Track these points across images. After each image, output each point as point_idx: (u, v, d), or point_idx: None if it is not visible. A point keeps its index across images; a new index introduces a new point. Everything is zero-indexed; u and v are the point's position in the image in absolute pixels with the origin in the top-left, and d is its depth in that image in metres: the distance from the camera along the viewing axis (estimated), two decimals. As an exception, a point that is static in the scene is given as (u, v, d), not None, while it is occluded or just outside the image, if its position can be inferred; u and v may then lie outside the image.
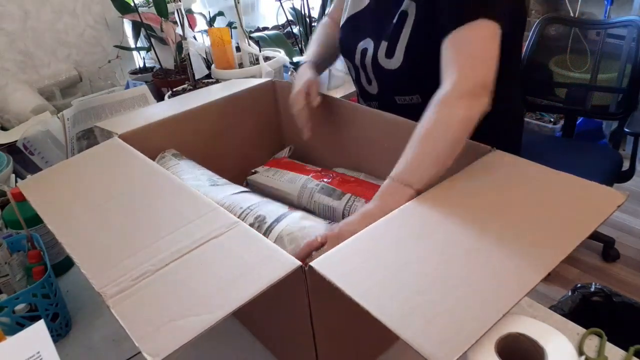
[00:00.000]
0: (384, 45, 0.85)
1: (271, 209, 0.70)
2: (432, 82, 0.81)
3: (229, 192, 0.74)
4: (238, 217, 0.63)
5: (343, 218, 0.81)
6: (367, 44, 0.89)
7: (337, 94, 1.71)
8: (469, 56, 0.69)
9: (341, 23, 0.98)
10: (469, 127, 0.65)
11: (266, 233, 0.67)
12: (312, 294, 0.50)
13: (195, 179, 0.78)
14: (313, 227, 0.65)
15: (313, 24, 1.87)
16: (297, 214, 0.68)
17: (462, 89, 0.67)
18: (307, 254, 0.62)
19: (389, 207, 0.58)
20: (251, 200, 0.73)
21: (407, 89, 0.85)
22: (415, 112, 0.78)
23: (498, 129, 0.72)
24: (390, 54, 0.84)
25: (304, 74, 0.93)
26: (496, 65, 0.68)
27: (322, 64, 1.01)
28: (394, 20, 0.83)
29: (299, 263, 0.47)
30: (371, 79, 0.91)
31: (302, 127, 0.90)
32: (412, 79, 0.84)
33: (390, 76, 0.85)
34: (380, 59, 0.86)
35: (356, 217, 0.63)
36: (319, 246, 0.61)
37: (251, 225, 0.66)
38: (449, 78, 0.70)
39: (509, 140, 0.69)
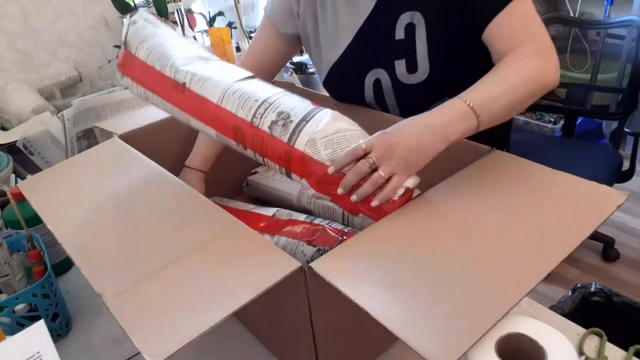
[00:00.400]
0: (400, 63, 0.81)
1: (294, 104, 0.60)
2: (460, 82, 0.80)
3: (233, 77, 0.64)
4: (254, 114, 0.57)
5: (343, 219, 0.81)
6: (377, 74, 0.84)
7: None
8: (525, 27, 0.69)
9: (322, 77, 0.92)
10: (544, 86, 0.66)
11: (294, 134, 0.57)
12: (312, 294, 0.50)
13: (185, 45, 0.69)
14: (350, 130, 0.57)
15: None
16: (328, 112, 0.59)
17: (533, 50, 0.68)
18: (350, 162, 0.56)
19: (440, 117, 0.58)
20: (266, 90, 0.62)
21: (435, 96, 0.81)
22: None
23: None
24: (412, 68, 0.80)
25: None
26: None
27: (211, 165, 0.91)
28: (400, 37, 0.80)
29: (299, 264, 0.47)
30: (390, 108, 0.87)
31: None
32: (440, 85, 0.81)
33: (418, 90, 0.81)
34: (402, 78, 0.82)
35: (407, 121, 0.60)
36: (363, 155, 0.56)
37: (274, 122, 0.58)
38: (529, 40, 0.69)
39: (495, 138, 0.69)
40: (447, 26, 0.76)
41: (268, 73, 0.96)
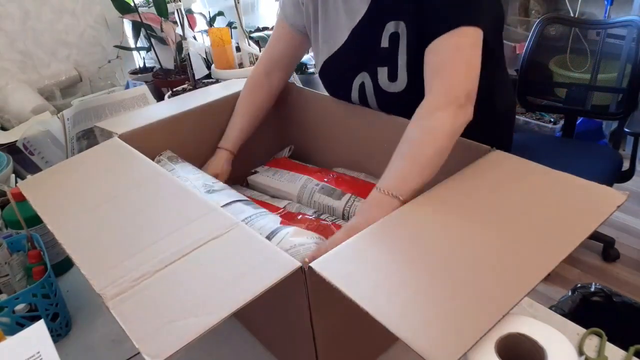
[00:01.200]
0: (382, 70, 0.82)
1: (264, 223, 0.69)
2: None
3: (222, 202, 0.73)
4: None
5: (343, 217, 0.81)
6: (364, 77, 0.86)
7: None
8: (451, 66, 0.68)
9: (317, 69, 0.94)
10: (454, 137, 0.66)
11: None
12: (312, 295, 0.50)
13: (190, 186, 0.78)
14: (303, 244, 0.64)
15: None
16: (290, 230, 0.67)
17: (446, 100, 0.67)
18: None
19: (374, 219, 0.57)
20: (244, 212, 0.71)
21: (415, 106, 0.81)
22: None
23: (486, 132, 0.71)
24: (392, 77, 0.81)
25: (217, 167, 0.92)
26: (478, 72, 0.68)
27: (239, 147, 0.96)
28: (385, 45, 0.81)
29: (298, 264, 0.47)
30: (372, 109, 0.88)
31: None
32: (419, 96, 0.80)
33: (397, 100, 0.82)
34: (383, 85, 0.83)
35: (342, 233, 0.62)
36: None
37: None
38: (432, 89, 0.69)
39: (497, 139, 0.69)
40: (424, 39, 0.75)
41: (284, 67, 0.99)
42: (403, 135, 0.68)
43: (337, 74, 0.90)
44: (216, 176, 0.88)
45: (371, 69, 0.84)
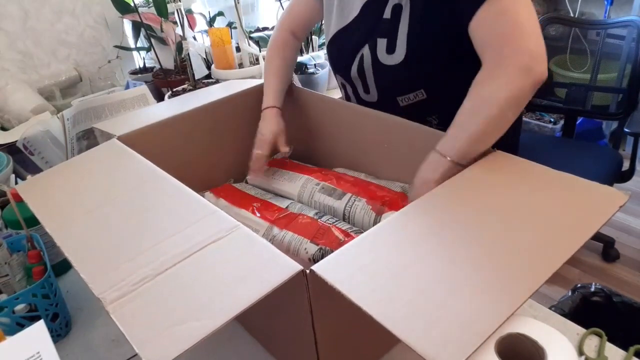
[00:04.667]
0: (382, 42, 0.83)
1: None
2: (436, 73, 0.80)
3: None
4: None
5: (344, 218, 0.81)
6: (364, 50, 0.87)
7: (337, 94, 1.71)
8: (513, 25, 0.64)
9: (327, 40, 0.95)
10: (516, 101, 0.64)
11: None
12: (313, 297, 0.50)
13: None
14: None
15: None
16: None
17: (499, 66, 0.65)
18: None
19: (426, 177, 0.65)
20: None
21: (411, 84, 0.83)
22: (419, 112, 0.78)
23: None
24: (391, 49, 0.82)
25: (271, 123, 0.93)
26: (537, 24, 0.65)
27: (283, 103, 0.98)
28: (387, 16, 0.81)
29: (300, 267, 0.47)
30: (369, 86, 0.89)
31: (254, 170, 0.93)
32: (416, 72, 0.81)
33: (393, 73, 0.83)
34: (381, 57, 0.83)
35: (413, 194, 0.69)
36: None
37: None
38: (485, 59, 0.67)
39: (504, 142, 0.69)
40: (431, 13, 0.76)
41: (304, 28, 1.03)
42: (466, 97, 0.68)
43: (343, 48, 0.91)
44: (274, 135, 0.91)
45: (372, 41, 0.85)
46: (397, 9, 0.80)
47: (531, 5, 0.66)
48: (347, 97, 0.99)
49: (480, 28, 0.68)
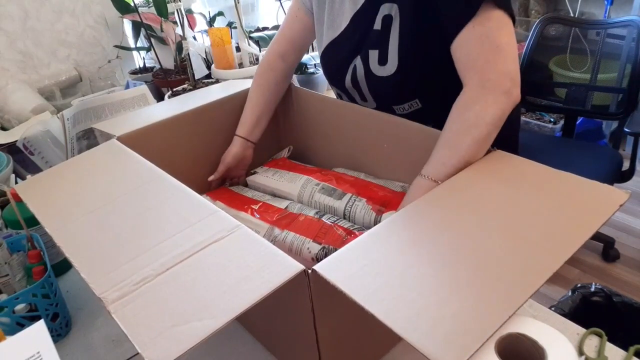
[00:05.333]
0: (373, 53, 0.82)
1: None
2: (429, 83, 0.81)
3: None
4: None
5: (345, 217, 0.81)
6: (356, 61, 0.86)
7: (337, 94, 1.71)
8: (496, 50, 0.66)
9: (320, 52, 0.94)
10: (498, 124, 0.66)
11: None
12: (315, 297, 0.50)
13: None
14: None
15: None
16: None
17: (483, 91, 0.66)
18: None
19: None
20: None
21: (405, 95, 0.83)
22: (415, 120, 0.78)
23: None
24: (383, 60, 0.81)
25: (232, 150, 0.96)
26: (515, 51, 0.67)
27: (258, 133, 0.99)
28: (377, 27, 0.80)
29: (302, 267, 0.47)
30: (366, 95, 0.88)
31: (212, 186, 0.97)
32: (409, 83, 0.82)
33: (387, 84, 0.83)
34: (373, 68, 0.83)
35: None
36: None
37: None
38: (467, 82, 0.68)
39: (504, 142, 0.70)
40: (420, 25, 0.75)
41: (299, 48, 0.99)
42: (445, 123, 0.69)
43: (336, 59, 0.90)
44: (228, 164, 0.93)
45: (364, 53, 0.84)
46: (387, 20, 0.79)
47: (512, 28, 0.68)
48: None
49: (462, 49, 0.69)
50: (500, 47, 0.66)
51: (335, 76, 0.92)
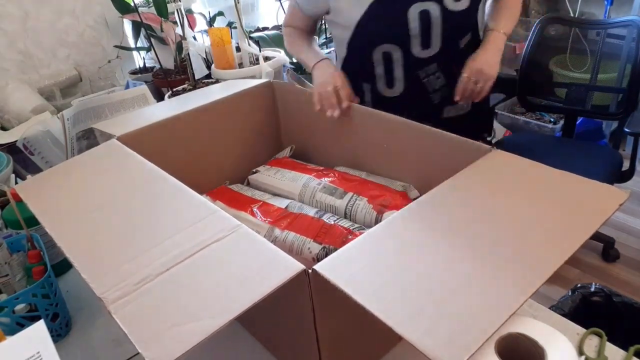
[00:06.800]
0: None
1: None
2: (482, 16, 1.05)
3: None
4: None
5: (346, 216, 0.81)
6: (424, 6, 0.94)
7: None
8: None
9: (360, 14, 0.98)
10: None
11: None
12: (315, 297, 0.50)
13: None
14: None
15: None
16: None
17: None
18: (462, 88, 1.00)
19: (489, 48, 0.97)
20: None
21: (467, 27, 1.02)
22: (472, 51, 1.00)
23: (481, 120, 0.85)
24: None
25: (330, 68, 1.00)
26: None
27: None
28: None
29: (302, 267, 0.47)
30: (433, 39, 0.98)
31: (331, 105, 0.92)
32: (474, 15, 1.00)
33: (459, 19, 0.97)
34: (449, 5, 0.95)
35: (480, 52, 0.98)
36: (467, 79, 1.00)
37: None
38: None
39: (480, 123, 0.84)
40: None
41: (308, 30, 1.15)
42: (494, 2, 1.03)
43: (393, 8, 0.96)
44: (344, 80, 0.96)
45: None
46: None
47: None
48: (388, 73, 1.05)
49: None
50: None
51: (389, 31, 0.98)
